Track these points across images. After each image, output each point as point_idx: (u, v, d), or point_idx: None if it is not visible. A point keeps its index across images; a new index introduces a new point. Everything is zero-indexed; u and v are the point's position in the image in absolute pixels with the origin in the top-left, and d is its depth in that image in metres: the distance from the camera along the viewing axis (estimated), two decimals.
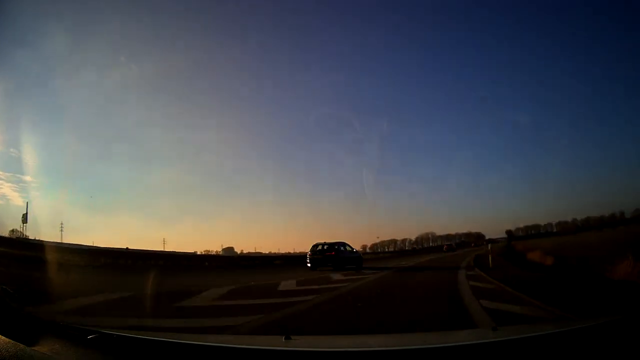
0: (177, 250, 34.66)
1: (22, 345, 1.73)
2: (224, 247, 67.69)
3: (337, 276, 12.56)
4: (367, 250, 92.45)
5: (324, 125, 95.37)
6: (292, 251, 68.16)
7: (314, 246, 18.27)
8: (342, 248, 18.44)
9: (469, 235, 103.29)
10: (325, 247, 17.87)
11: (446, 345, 1.86)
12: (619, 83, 76.78)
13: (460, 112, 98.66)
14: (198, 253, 42.24)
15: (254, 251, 67.89)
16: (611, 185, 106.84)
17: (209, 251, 57.30)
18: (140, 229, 65.34)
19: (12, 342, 1.73)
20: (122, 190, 78.23)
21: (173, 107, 76.65)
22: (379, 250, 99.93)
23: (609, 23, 65.99)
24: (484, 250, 33.94)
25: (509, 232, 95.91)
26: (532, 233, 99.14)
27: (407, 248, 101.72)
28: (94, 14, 51.82)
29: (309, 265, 17.44)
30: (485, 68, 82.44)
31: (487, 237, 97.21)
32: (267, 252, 67.47)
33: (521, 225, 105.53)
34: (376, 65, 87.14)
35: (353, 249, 19.97)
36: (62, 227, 29.73)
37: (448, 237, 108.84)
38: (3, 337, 1.74)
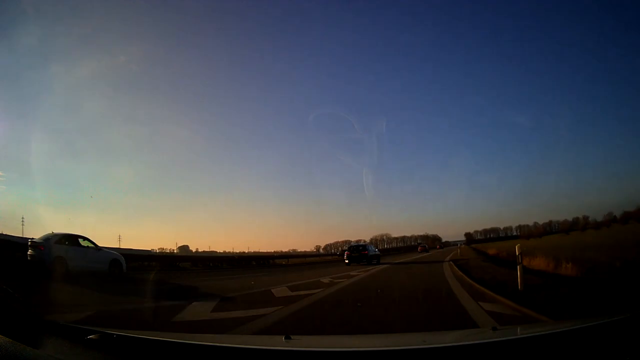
0: (132, 248, 32.36)
1: (22, 345, 1.69)
2: (179, 245, 65.00)
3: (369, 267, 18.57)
4: (321, 250, 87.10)
5: (286, 122, 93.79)
6: (246, 250, 67.80)
7: (350, 247, 24.51)
8: (369, 248, 23.81)
9: (425, 237, 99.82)
10: (359, 247, 23.27)
11: (446, 345, 1.89)
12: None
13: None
14: (153, 251, 39.80)
15: (208, 249, 64.30)
16: (574, 190, 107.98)
17: (163, 249, 53.83)
18: (94, 224, 57.76)
19: (13, 341, 1.68)
20: (81, 185, 72.77)
21: (141, 103, 70.59)
22: (334, 251, 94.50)
23: (610, 22, 64.16)
24: (458, 253, 28.23)
25: (467, 234, 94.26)
26: (491, 236, 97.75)
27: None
28: (66, 6, 47.10)
29: (346, 262, 21.76)
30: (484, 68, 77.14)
31: (443, 240, 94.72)
32: (221, 251, 65.26)
33: (479, 228, 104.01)
34: (376, 65, 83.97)
35: (375, 249, 26.53)
36: (23, 221, 30.45)
37: (404, 239, 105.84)
38: (3, 337, 1.68)
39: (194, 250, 62.58)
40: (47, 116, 49.20)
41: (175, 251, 59.43)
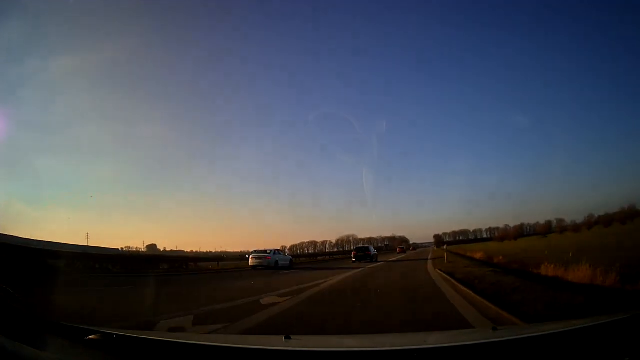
0: (100, 246, 31.36)
1: (22, 345, 1.68)
2: (147, 244, 63.16)
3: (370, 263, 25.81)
4: (287, 252, 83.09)
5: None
6: (213, 250, 66.16)
7: (356, 248, 32.90)
8: (371, 249, 31.92)
9: (392, 239, 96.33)
10: (363, 249, 31.21)
11: (446, 345, 1.86)
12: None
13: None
14: (120, 249, 39.85)
15: (175, 249, 62.14)
16: (544, 193, 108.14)
17: (129, 247, 51.69)
18: (65, 222, 61.02)
19: (13, 342, 1.66)
20: (53, 182, 68.70)
21: (123, 99, 67.95)
22: (299, 252, 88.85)
23: (610, 22, 64.56)
24: (445, 258, 21.34)
25: (437, 236, 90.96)
26: (461, 239, 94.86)
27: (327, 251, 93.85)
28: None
29: (354, 260, 27.82)
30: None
31: (411, 242, 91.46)
32: (189, 250, 63.73)
33: (447, 230, 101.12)
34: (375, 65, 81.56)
35: (375, 249, 34.52)
36: None
37: (371, 240, 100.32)
38: (3, 337, 1.66)
39: (162, 250, 61.76)
40: (23, 111, 47.04)
41: (143, 250, 58.52)
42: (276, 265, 21.61)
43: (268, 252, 22.40)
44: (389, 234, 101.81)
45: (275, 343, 2.09)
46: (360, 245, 35.79)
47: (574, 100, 75.36)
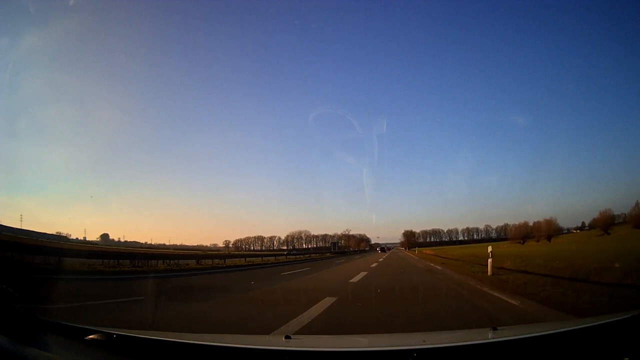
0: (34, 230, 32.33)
1: (22, 345, 1.71)
2: (101, 233, 65.20)
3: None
4: (230, 245, 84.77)
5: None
6: (166, 243, 70.42)
7: (380, 246, 79.28)
8: (385, 246, 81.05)
9: (349, 237, 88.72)
10: (385, 245, 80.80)
11: (446, 345, 1.86)
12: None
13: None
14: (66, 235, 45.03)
15: (122, 239, 64.77)
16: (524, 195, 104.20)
17: (60, 232, 49.65)
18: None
19: (13, 341, 1.69)
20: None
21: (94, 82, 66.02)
22: (244, 247, 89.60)
23: (609, 22, 63.47)
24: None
25: (408, 233, 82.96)
26: (432, 240, 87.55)
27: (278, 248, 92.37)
28: None
29: (379, 252, 64.10)
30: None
31: (372, 242, 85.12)
32: (143, 242, 67.24)
33: (416, 229, 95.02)
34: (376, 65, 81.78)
35: (385, 245, 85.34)
36: None
37: (325, 238, 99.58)
38: (3, 337, 1.69)
39: (116, 240, 63.84)
40: None
41: (98, 239, 60.66)
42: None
43: (382, 245, 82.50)
44: (341, 231, 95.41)
45: (275, 343, 2.20)
46: (382, 245, 71.44)
47: (573, 100, 75.19)
